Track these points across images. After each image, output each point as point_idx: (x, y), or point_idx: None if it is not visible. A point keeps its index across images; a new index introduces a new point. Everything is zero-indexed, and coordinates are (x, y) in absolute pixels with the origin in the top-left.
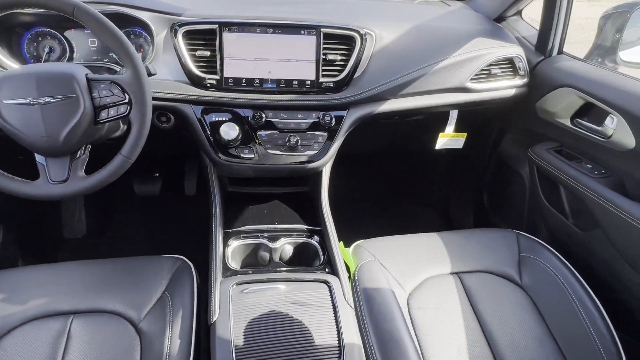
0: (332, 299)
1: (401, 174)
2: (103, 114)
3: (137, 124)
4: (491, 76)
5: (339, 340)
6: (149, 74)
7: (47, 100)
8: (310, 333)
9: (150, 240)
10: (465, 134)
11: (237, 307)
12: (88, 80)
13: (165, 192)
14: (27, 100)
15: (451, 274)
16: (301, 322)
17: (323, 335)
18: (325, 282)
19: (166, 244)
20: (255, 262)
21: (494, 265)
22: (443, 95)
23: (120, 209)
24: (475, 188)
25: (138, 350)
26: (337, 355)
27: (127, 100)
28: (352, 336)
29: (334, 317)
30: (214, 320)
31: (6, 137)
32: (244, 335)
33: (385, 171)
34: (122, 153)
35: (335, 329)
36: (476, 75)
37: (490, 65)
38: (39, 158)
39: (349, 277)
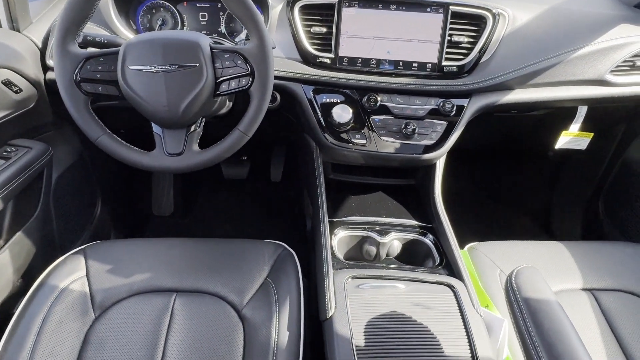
0: (459, 305)
1: (501, 175)
2: (223, 86)
3: (257, 98)
4: (635, 69)
5: (472, 352)
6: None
7: (171, 67)
8: (437, 341)
9: (235, 224)
10: (592, 134)
11: (354, 303)
12: (212, 49)
13: (251, 176)
14: (152, 68)
15: (583, 289)
16: (426, 327)
17: (452, 345)
18: (450, 286)
19: (251, 229)
20: (359, 256)
21: (634, 284)
22: (576, 88)
23: (206, 190)
24: (586, 195)
25: (241, 336)
26: None
27: (249, 72)
28: (486, 349)
29: (463, 326)
30: (330, 315)
31: (110, 109)
32: (364, 335)
33: (486, 170)
34: (239, 128)
35: (466, 339)
36: (617, 66)
37: (636, 56)
38: (156, 129)
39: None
